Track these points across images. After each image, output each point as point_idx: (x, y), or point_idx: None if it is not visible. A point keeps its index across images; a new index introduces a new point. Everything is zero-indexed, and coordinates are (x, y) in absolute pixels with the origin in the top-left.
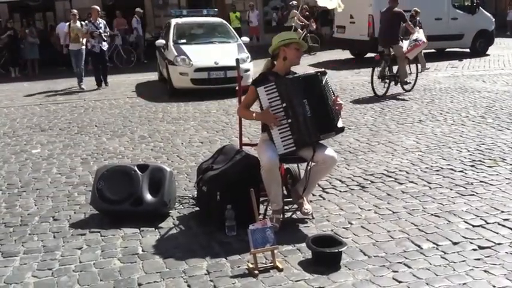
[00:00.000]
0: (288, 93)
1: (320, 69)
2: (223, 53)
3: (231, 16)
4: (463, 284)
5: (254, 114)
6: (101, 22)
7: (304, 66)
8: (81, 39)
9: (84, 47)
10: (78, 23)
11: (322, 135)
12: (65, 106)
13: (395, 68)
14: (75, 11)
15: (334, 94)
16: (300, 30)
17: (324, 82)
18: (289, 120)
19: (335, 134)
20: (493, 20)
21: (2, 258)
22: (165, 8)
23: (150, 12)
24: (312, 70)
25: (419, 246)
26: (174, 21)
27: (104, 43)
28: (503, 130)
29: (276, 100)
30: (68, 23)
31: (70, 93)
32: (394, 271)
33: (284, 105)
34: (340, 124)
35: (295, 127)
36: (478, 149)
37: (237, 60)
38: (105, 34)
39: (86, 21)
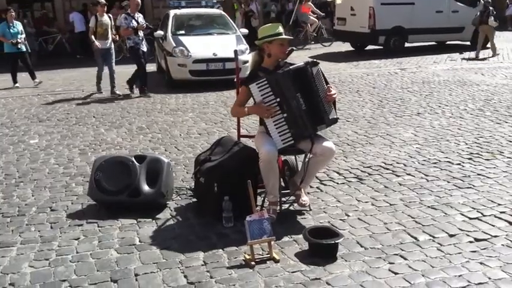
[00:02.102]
0: (281, 88)
1: (310, 60)
2: (222, 45)
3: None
4: (459, 276)
5: (246, 110)
6: (140, 16)
7: (305, 59)
8: (111, 36)
9: (113, 44)
10: (106, 16)
11: (319, 127)
12: (63, 97)
13: None
14: (103, 1)
15: (327, 84)
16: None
17: (314, 73)
18: (285, 115)
19: (326, 126)
20: (494, 13)
21: None
22: None
23: (148, 2)
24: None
25: (415, 238)
26: (172, 13)
27: (144, 42)
28: (501, 123)
29: (270, 96)
30: (93, 16)
31: (68, 84)
32: (390, 263)
33: (278, 99)
34: (332, 115)
35: (292, 121)
36: (475, 142)
37: (235, 52)
38: (151, 28)
39: (124, 15)
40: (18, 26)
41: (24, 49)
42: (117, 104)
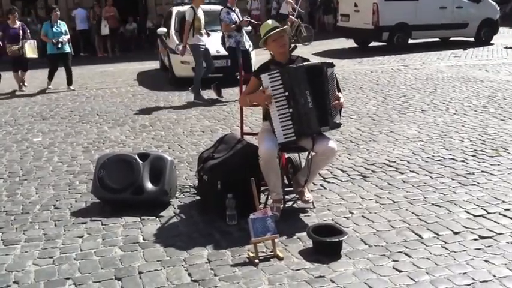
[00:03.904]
0: (291, 82)
1: (327, 61)
2: None
3: None
4: (464, 273)
5: (248, 99)
6: (237, 9)
7: (308, 55)
8: (203, 31)
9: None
10: (200, 9)
11: (322, 128)
12: (67, 95)
13: None
14: None
15: (338, 89)
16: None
17: (328, 74)
18: (291, 110)
19: (329, 129)
20: (498, 8)
21: (3, 246)
22: None
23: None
24: (319, 60)
25: (419, 235)
26: (175, 9)
27: (247, 38)
28: (505, 120)
29: (279, 88)
30: (189, 8)
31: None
32: (394, 260)
33: (286, 94)
34: (337, 120)
35: (296, 117)
36: (480, 139)
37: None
38: (255, 23)
39: (226, 9)
40: (62, 26)
41: (68, 50)
42: (120, 101)
